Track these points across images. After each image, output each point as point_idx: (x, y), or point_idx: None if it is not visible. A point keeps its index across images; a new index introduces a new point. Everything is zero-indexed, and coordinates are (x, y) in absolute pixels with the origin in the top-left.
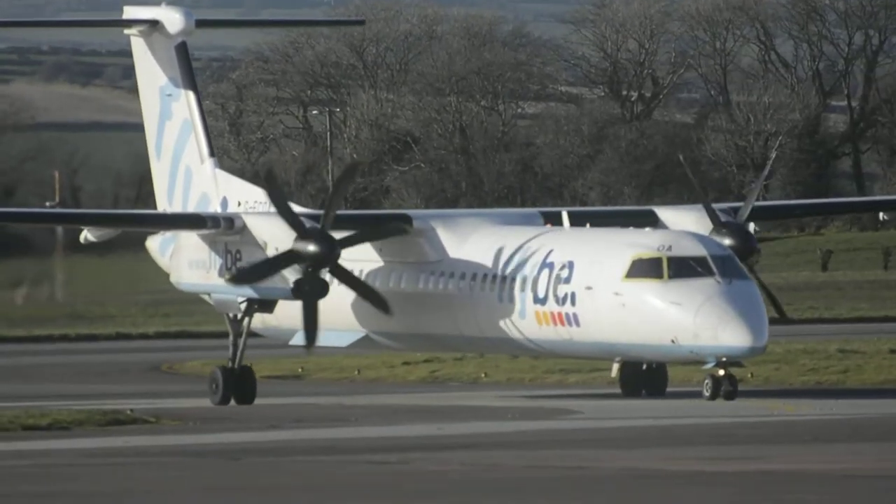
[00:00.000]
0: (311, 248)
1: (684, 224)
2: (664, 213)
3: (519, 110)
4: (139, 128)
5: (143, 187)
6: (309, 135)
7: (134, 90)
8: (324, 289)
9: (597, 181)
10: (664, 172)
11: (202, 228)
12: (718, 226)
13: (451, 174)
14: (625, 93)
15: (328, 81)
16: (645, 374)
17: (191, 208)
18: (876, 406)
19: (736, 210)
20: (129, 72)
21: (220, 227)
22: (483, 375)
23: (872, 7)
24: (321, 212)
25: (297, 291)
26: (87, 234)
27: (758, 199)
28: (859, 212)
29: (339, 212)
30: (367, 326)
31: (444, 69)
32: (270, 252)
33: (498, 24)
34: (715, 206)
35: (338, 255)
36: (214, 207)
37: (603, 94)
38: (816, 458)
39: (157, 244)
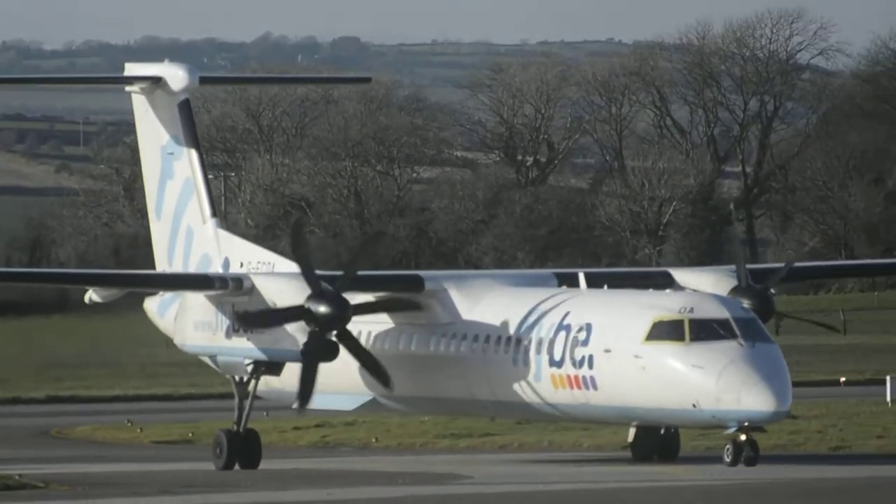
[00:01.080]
0: (323, 308)
1: (702, 286)
2: (680, 275)
3: (414, 175)
4: (33, 192)
5: (35, 251)
6: None
7: (27, 154)
8: (333, 351)
9: (491, 246)
10: (559, 237)
11: (210, 289)
12: (738, 288)
13: (346, 239)
14: (520, 158)
15: (224, 146)
16: (659, 440)
17: (192, 269)
18: (772, 471)
19: (763, 272)
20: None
21: (229, 288)
22: (374, 440)
23: (768, 73)
24: (339, 273)
25: (307, 353)
26: (91, 295)
27: (652, 265)
28: (885, 274)
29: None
30: (374, 390)
31: (340, 133)
32: None
33: (394, 89)
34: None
35: (348, 319)
36: (216, 268)
37: (498, 158)
38: None
39: (156, 305)
